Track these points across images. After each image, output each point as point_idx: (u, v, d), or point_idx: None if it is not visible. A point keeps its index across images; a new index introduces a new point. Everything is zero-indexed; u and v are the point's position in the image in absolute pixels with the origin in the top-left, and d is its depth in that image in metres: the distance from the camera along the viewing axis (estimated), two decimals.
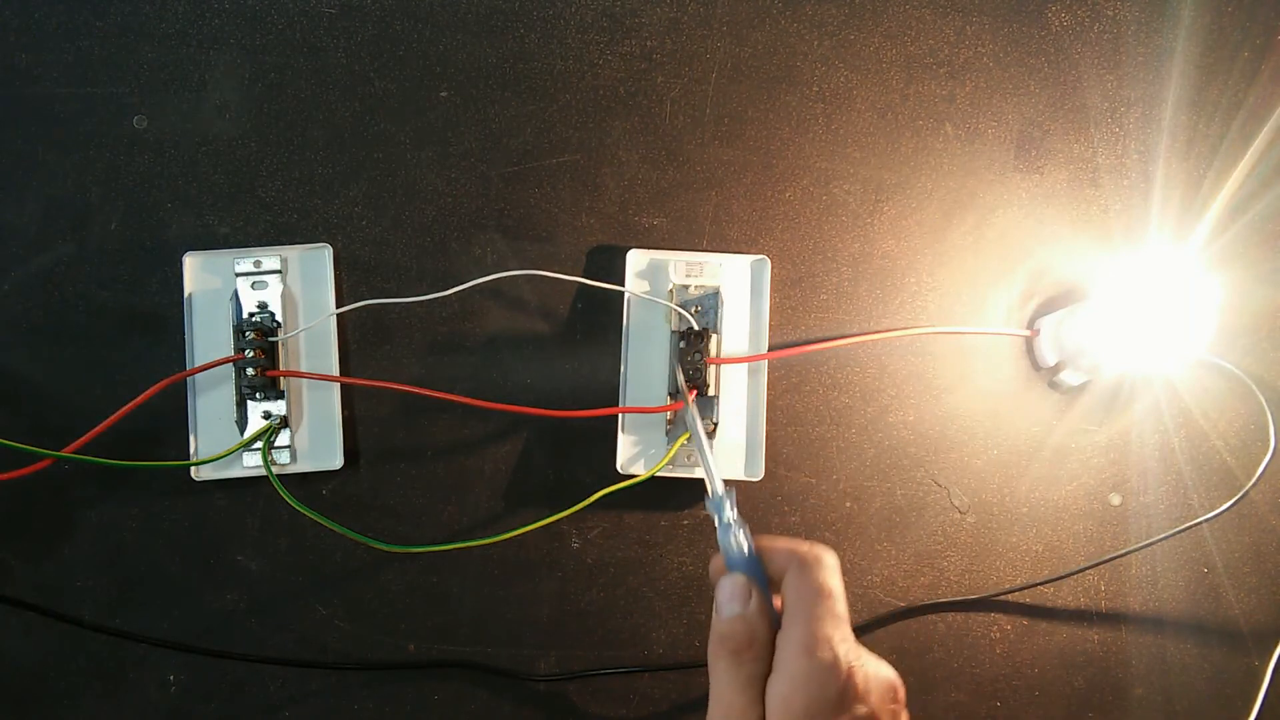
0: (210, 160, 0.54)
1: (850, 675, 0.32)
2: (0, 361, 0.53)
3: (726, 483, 0.39)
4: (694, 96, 0.55)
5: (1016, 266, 0.56)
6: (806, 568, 0.35)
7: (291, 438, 0.53)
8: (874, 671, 0.33)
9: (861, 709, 0.32)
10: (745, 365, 0.54)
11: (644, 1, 0.55)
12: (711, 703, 0.34)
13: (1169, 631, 0.56)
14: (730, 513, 0.38)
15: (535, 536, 0.54)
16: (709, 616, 0.54)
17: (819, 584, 0.34)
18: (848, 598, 0.56)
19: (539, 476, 0.55)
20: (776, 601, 0.36)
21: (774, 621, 0.35)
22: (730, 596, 0.36)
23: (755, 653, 0.34)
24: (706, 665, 0.35)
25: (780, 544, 0.36)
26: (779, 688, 0.33)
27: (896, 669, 0.57)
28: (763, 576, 0.36)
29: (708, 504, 0.39)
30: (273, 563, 0.54)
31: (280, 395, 0.53)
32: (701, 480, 0.54)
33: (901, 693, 0.34)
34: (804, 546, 0.36)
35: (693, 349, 0.52)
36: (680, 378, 0.51)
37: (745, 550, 0.37)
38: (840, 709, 0.32)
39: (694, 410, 0.47)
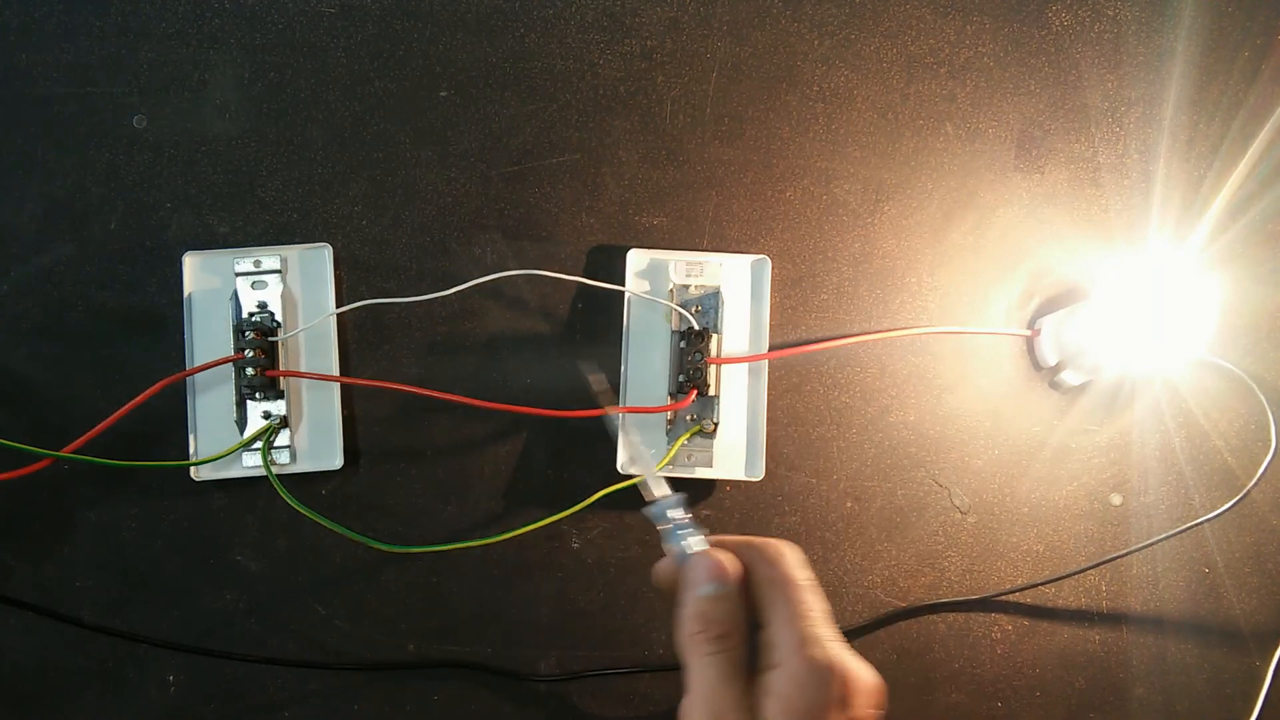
0: (210, 160, 0.54)
1: (845, 677, 0.32)
2: (0, 361, 0.53)
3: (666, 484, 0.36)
4: (694, 96, 0.55)
5: (1017, 266, 0.56)
6: (775, 563, 0.33)
7: (291, 438, 0.53)
8: (863, 673, 0.32)
9: (854, 711, 0.31)
10: (745, 365, 0.54)
11: (644, 1, 0.55)
12: (696, 691, 0.32)
13: (1170, 631, 0.56)
14: (681, 516, 0.35)
15: (535, 536, 0.54)
16: None
17: (795, 578, 0.33)
18: (849, 598, 0.56)
19: (539, 476, 0.55)
20: None
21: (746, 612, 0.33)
22: (708, 575, 0.33)
23: (739, 639, 0.33)
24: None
25: (738, 540, 0.35)
26: (778, 686, 0.31)
27: (897, 669, 0.57)
28: None
29: (648, 512, 0.35)
30: (273, 563, 0.54)
31: (280, 395, 0.53)
32: (703, 480, 0.54)
33: (883, 697, 0.33)
34: (758, 540, 0.34)
35: (693, 349, 0.52)
36: (594, 385, 0.46)
37: (701, 548, 0.34)
38: (841, 709, 0.31)
39: (619, 419, 0.43)
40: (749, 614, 0.34)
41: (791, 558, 0.34)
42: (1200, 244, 0.56)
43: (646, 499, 0.35)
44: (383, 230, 0.55)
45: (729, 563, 0.34)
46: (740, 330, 0.54)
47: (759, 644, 0.33)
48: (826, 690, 0.31)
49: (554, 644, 0.55)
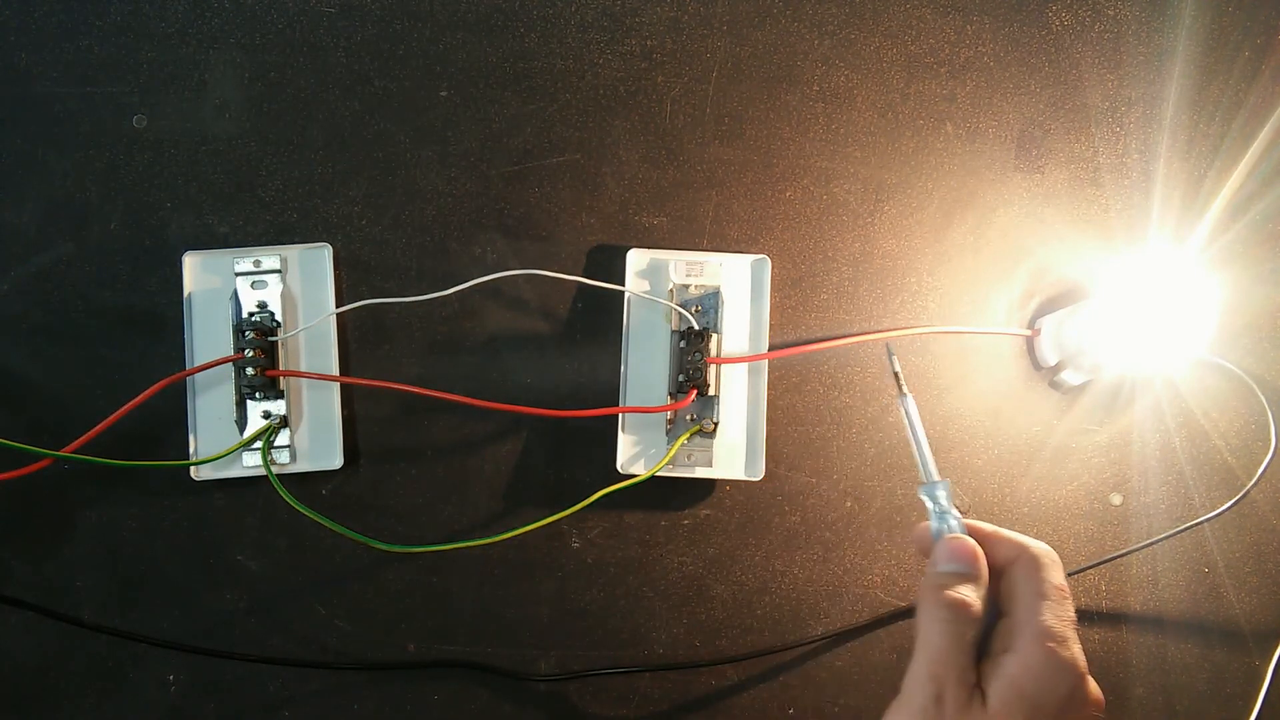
0: (210, 160, 0.54)
1: (1082, 680, 0.33)
2: (0, 361, 0.53)
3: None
4: (694, 96, 0.55)
5: (1017, 266, 0.56)
6: (1042, 565, 0.35)
7: (291, 437, 0.53)
8: (1094, 686, 0.34)
9: (1082, 715, 0.32)
10: (745, 365, 0.54)
11: (644, 1, 0.55)
12: (921, 653, 0.34)
13: (1169, 631, 0.56)
14: (945, 500, 0.38)
15: (535, 536, 0.54)
16: (709, 616, 0.55)
17: (1058, 583, 0.34)
18: (849, 597, 0.56)
19: (539, 476, 0.55)
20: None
21: (988, 600, 0.35)
22: (955, 555, 0.35)
23: (975, 615, 0.34)
24: (918, 610, 0.35)
25: (1004, 534, 0.36)
26: (1012, 669, 0.33)
27: (897, 669, 0.57)
28: None
29: (920, 491, 0.39)
30: (273, 563, 0.54)
31: (280, 395, 0.53)
32: (703, 480, 0.54)
33: (1102, 715, 0.34)
34: (1033, 543, 0.36)
35: (693, 349, 0.52)
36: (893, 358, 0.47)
37: (956, 533, 0.37)
38: (1065, 708, 0.32)
39: (910, 408, 0.44)
40: (993, 603, 0.35)
41: (1054, 567, 0.35)
42: (1200, 244, 0.56)
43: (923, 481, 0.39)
44: (383, 230, 0.55)
45: (979, 553, 0.36)
46: (740, 330, 0.54)
47: (998, 631, 0.35)
48: (1060, 685, 0.32)
49: (554, 644, 0.55)
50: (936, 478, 0.39)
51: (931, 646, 0.34)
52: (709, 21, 0.55)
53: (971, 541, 0.36)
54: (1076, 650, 0.33)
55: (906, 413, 0.43)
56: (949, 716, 0.32)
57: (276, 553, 0.54)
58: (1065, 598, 0.34)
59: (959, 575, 0.35)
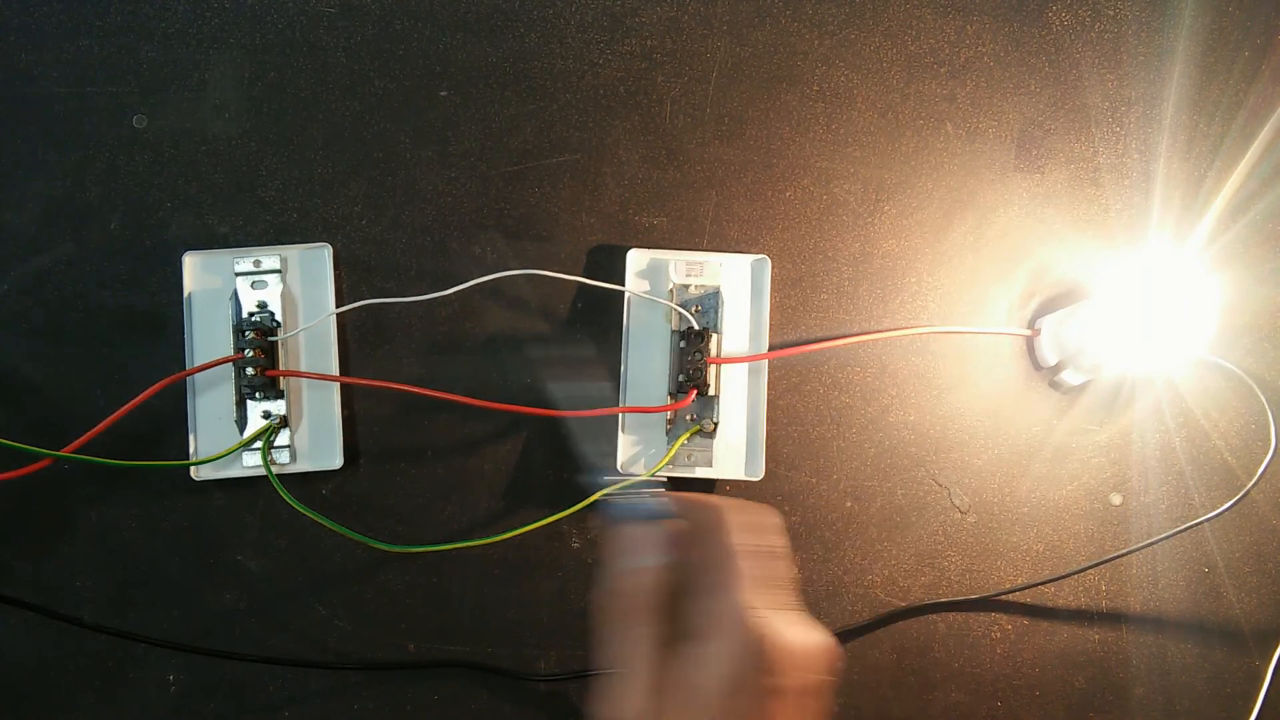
0: (210, 160, 0.54)
1: (761, 643, 0.30)
2: (0, 361, 0.53)
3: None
4: (694, 96, 0.55)
5: (1017, 266, 0.56)
6: (709, 530, 0.32)
7: (291, 437, 0.53)
8: (791, 640, 0.31)
9: (776, 680, 0.30)
10: (745, 365, 0.54)
11: (644, 1, 0.55)
12: (629, 671, 0.32)
13: (1169, 631, 0.56)
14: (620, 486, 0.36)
15: (535, 536, 0.54)
16: None
17: (725, 545, 0.32)
18: (849, 597, 0.56)
19: (539, 476, 0.55)
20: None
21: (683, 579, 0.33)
22: (632, 549, 0.33)
23: (662, 613, 0.32)
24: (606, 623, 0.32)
25: (686, 499, 0.34)
26: (693, 658, 0.31)
27: (896, 669, 0.57)
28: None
29: (591, 478, 0.36)
30: (273, 563, 0.54)
31: (280, 395, 0.53)
32: (703, 480, 0.54)
33: (829, 658, 0.31)
34: (705, 503, 0.33)
35: (693, 349, 0.52)
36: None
37: (649, 509, 0.34)
38: (757, 680, 0.30)
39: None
40: (688, 579, 0.33)
41: (726, 522, 0.32)
42: (1200, 244, 0.56)
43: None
44: (383, 230, 0.55)
45: (655, 539, 0.33)
46: (740, 330, 0.54)
47: (691, 613, 0.32)
48: (739, 661, 0.30)
49: (554, 644, 0.55)
50: (619, 476, 0.36)
51: (632, 667, 0.31)
52: (709, 21, 0.55)
53: (644, 529, 0.33)
54: (752, 619, 0.30)
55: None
56: None
57: (276, 553, 0.54)
58: (737, 557, 0.31)
59: (644, 570, 0.32)
